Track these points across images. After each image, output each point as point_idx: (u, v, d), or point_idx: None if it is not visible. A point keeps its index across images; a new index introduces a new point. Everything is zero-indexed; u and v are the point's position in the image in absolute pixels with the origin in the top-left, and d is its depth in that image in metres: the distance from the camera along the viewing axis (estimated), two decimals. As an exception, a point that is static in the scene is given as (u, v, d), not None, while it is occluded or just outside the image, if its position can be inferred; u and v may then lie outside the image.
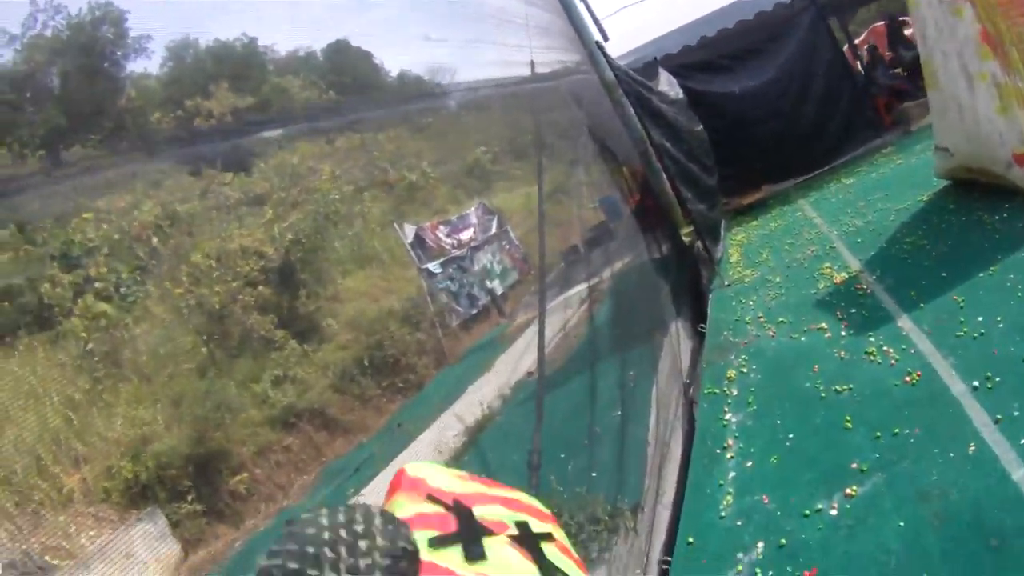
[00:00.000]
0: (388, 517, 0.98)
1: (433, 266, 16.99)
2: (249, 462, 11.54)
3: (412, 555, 0.97)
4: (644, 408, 6.64)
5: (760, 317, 7.79)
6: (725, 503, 4.75)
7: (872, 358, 5.55)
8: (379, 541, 0.93)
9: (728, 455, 5.33)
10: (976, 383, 4.50)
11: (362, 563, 0.91)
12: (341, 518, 0.94)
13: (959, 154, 7.86)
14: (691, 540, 4.54)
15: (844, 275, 7.74)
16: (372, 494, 8.75)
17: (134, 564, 9.11)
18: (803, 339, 6.66)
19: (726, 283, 9.70)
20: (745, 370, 6.66)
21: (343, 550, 0.90)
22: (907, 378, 4.98)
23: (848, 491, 4.18)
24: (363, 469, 10.31)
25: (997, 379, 4.44)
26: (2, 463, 8.98)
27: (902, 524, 3.71)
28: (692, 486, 5.21)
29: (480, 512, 1.20)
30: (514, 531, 1.20)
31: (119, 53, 21.50)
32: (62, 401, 10.81)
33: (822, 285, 7.79)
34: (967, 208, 7.66)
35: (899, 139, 13.37)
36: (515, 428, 8.76)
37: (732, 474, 5.06)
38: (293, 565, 0.88)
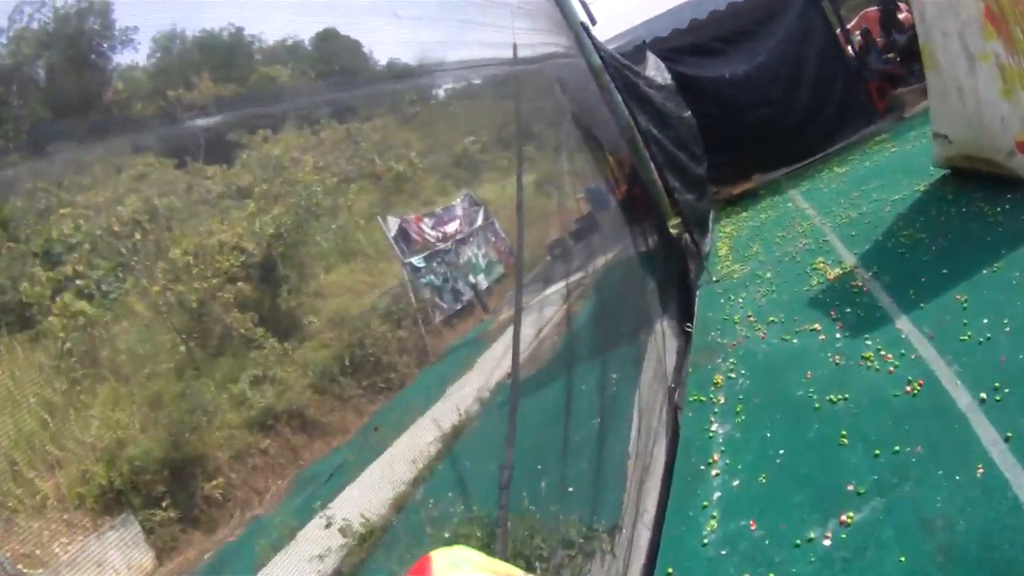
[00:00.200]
0: None
1: (417, 260, 16.76)
2: (225, 466, 11.31)
3: None
4: (626, 415, 6.36)
5: (750, 316, 7.47)
6: (709, 527, 4.42)
7: (869, 364, 5.23)
8: None
9: (713, 471, 4.99)
10: (983, 395, 4.18)
11: None
12: None
13: (958, 141, 7.54)
14: (671, 571, 4.21)
15: (838, 270, 7.42)
16: (343, 504, 8.63)
17: (107, 572, 8.96)
18: (795, 341, 6.33)
19: (714, 278, 9.37)
20: (733, 375, 6.32)
21: None
22: (908, 388, 4.66)
23: (844, 518, 3.85)
24: (336, 477, 10.14)
25: (1006, 391, 4.12)
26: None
27: (903, 560, 3.38)
28: (674, 506, 4.89)
29: None
30: None
31: (105, 45, 21.65)
32: (39, 403, 10.70)
33: (815, 281, 7.47)
34: (967, 199, 7.35)
35: (893, 126, 13.07)
36: (492, 435, 8.46)
37: (717, 494, 4.73)
38: None
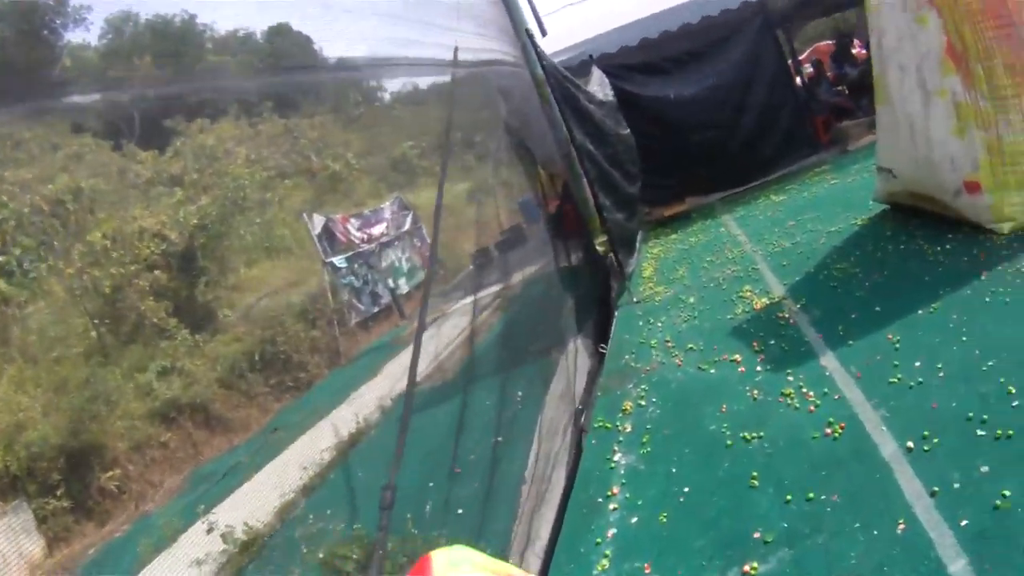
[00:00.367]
0: None
1: (339, 260, 16.62)
2: (123, 458, 11.18)
3: None
4: (527, 437, 5.99)
5: (668, 341, 7.17)
6: (600, 567, 4.05)
7: (789, 401, 4.93)
8: None
9: (611, 505, 4.63)
10: (911, 443, 3.89)
11: None
12: None
13: (904, 177, 7.38)
14: (553, 614, 3.83)
15: (765, 300, 7.17)
16: (232, 507, 8.36)
17: (-6, 559, 8.75)
18: (713, 371, 6.02)
19: (635, 299, 9.09)
20: (643, 403, 5.99)
21: None
22: (828, 430, 4.36)
23: (747, 567, 3.52)
24: (229, 477, 9.92)
25: (935, 440, 3.84)
26: None
27: (810, 622, 3.04)
28: (565, 541, 4.52)
29: None
30: None
31: (58, 22, 21.51)
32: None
33: (740, 310, 7.20)
34: (906, 236, 7.17)
35: (835, 158, 13.02)
36: (388, 446, 8.07)
37: (613, 530, 4.37)
38: None
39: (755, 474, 4.22)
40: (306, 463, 9.20)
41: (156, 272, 14.12)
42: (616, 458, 5.25)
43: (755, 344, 6.16)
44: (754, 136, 13.43)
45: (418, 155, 25.10)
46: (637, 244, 11.37)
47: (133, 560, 8.33)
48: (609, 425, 5.84)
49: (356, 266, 17.10)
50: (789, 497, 3.89)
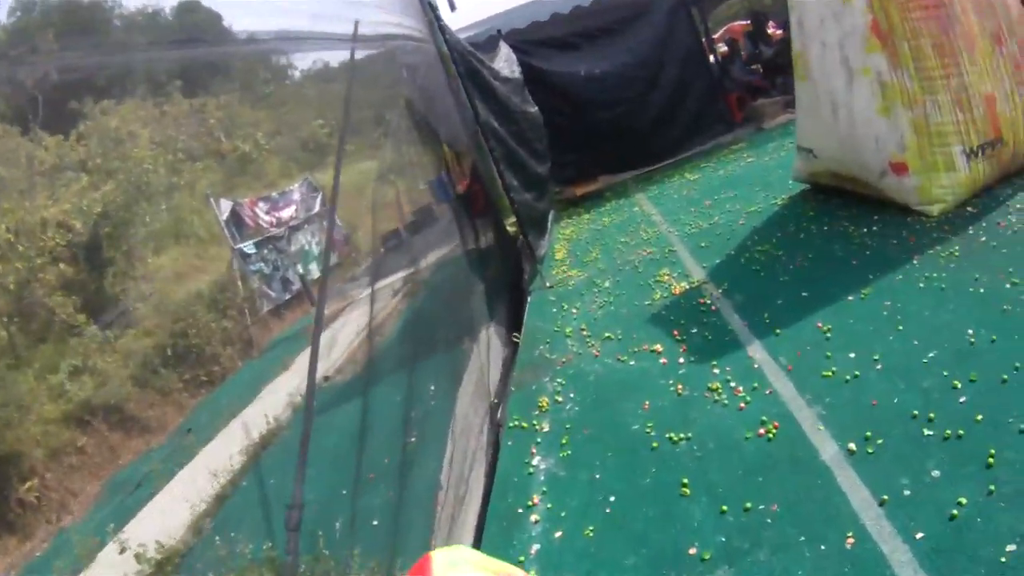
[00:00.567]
0: None
1: (247, 246, 15.97)
2: (40, 466, 10.60)
3: None
4: (440, 436, 5.61)
5: (583, 329, 6.85)
6: (522, 590, 3.69)
7: (717, 397, 4.66)
8: None
9: (532, 517, 4.27)
10: (852, 445, 3.65)
11: None
12: None
13: (825, 157, 7.22)
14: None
15: (685, 285, 6.91)
16: (145, 521, 7.93)
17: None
18: (633, 363, 5.73)
19: (548, 284, 8.78)
20: (560, 399, 5.65)
21: None
22: (761, 430, 4.10)
23: (683, 590, 3.21)
24: (144, 485, 9.40)
25: (879, 441, 3.61)
26: None
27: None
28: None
29: None
30: None
31: None
32: None
33: (658, 295, 6.93)
34: (829, 217, 7.02)
35: (750, 136, 12.96)
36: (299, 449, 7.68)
37: (536, 546, 4.01)
38: None
39: (685, 481, 3.92)
40: (217, 469, 8.70)
41: (61, 265, 13.49)
42: (535, 462, 4.90)
43: (676, 333, 5.89)
44: (666, 113, 13.30)
45: (328, 134, 24.52)
46: (549, 225, 11.07)
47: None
48: (525, 424, 5.49)
49: (266, 251, 16.47)
50: (724, 507, 3.60)
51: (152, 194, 16.98)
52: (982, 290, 4.67)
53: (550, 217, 11.51)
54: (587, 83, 13.17)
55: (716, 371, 4.99)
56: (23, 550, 9.57)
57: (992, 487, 3.02)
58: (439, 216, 13.05)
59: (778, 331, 5.18)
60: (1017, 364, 3.76)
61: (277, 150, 23.41)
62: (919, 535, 2.95)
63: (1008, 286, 4.59)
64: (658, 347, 5.75)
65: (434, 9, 9.30)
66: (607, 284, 7.94)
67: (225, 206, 16.27)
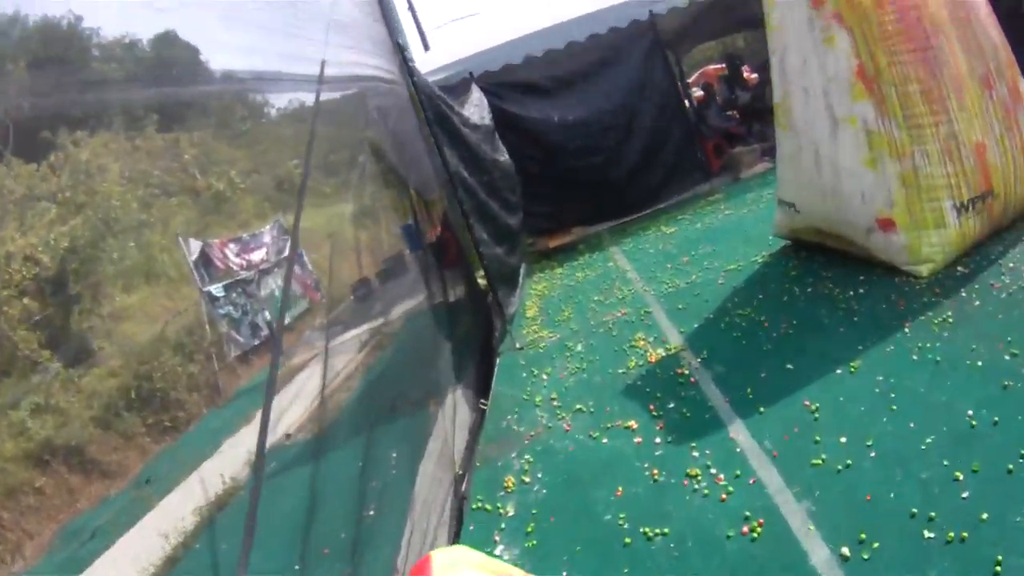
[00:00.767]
0: None
1: (216, 288, 15.64)
2: None
3: None
4: (401, 512, 5.23)
5: (554, 399, 6.50)
6: None
7: (696, 485, 4.31)
8: None
9: (490, 621, 3.90)
10: (846, 549, 3.32)
11: None
12: None
13: (808, 212, 6.96)
14: None
15: (661, 351, 6.59)
16: (101, 571, 7.43)
17: None
18: (605, 441, 5.37)
19: (518, 345, 8.44)
20: (528, 479, 5.28)
21: None
22: (745, 527, 3.76)
23: None
24: (98, 538, 8.87)
25: (875, 545, 3.28)
26: None
27: None
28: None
29: None
30: None
31: None
32: None
33: (633, 363, 6.60)
34: (813, 277, 6.74)
35: (727, 186, 12.76)
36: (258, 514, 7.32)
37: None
38: None
39: (662, 587, 3.58)
40: (170, 529, 8.28)
41: (26, 300, 13.00)
42: (498, 551, 4.52)
43: (652, 407, 5.55)
44: (642, 162, 13.06)
45: (303, 174, 24.40)
46: (520, 279, 10.76)
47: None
48: (489, 507, 5.12)
49: (235, 295, 16.12)
50: (704, 622, 3.26)
51: (121, 230, 16.64)
52: (980, 363, 4.38)
53: (521, 271, 11.22)
54: (561, 129, 12.92)
55: (695, 454, 4.64)
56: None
57: (1003, 604, 2.71)
58: (409, 266, 12.78)
59: (762, 409, 4.85)
60: (1022, 451, 3.46)
61: (252, 189, 22.88)
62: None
63: (1007, 358, 4.31)
64: (633, 423, 5.40)
65: (403, 49, 9.08)
66: (580, 348, 7.61)
67: (195, 246, 15.98)
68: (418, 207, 10.62)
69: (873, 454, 3.91)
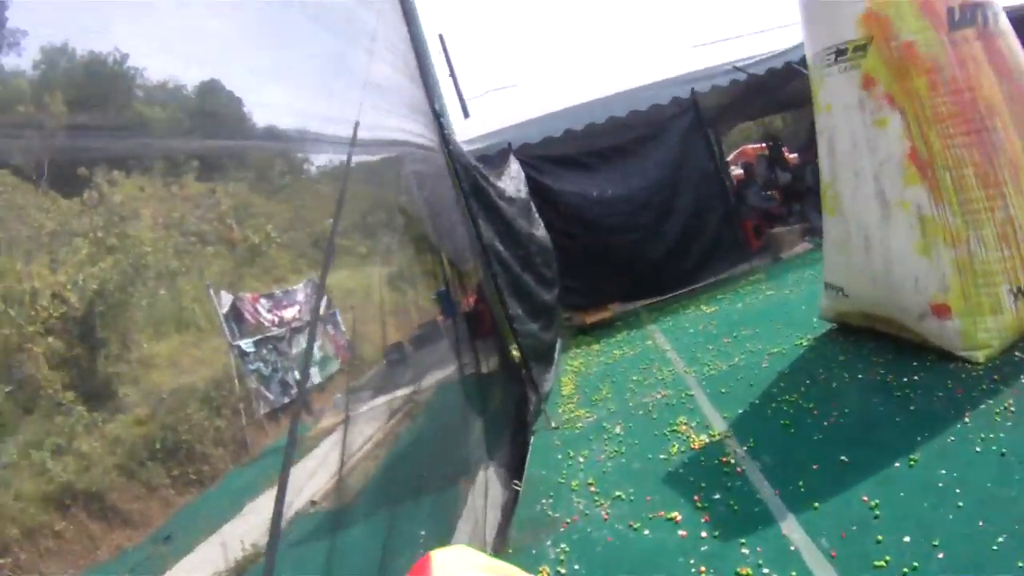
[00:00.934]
0: None
1: (246, 344, 15.51)
2: (15, 544, 9.99)
3: None
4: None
5: (591, 484, 6.23)
6: None
7: (748, 585, 4.03)
8: None
9: None
10: (918, 667, 3.03)
11: None
12: None
13: (857, 296, 6.74)
14: None
15: (705, 438, 6.32)
16: None
17: None
18: (647, 532, 5.09)
19: (554, 424, 8.21)
20: (564, 571, 4.99)
21: None
22: (804, 638, 3.47)
23: None
24: None
25: (951, 665, 2.98)
26: None
27: None
28: None
29: None
30: None
31: None
32: None
33: (675, 449, 6.33)
34: (863, 362, 6.48)
35: (768, 266, 12.57)
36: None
37: None
38: None
39: None
40: None
41: (51, 339, 12.92)
42: (532, 651, 4.26)
43: (697, 498, 5.26)
44: (681, 240, 12.98)
45: (340, 233, 24.45)
46: (555, 355, 10.56)
47: None
48: (522, 602, 4.84)
49: (265, 351, 15.91)
50: None
51: (153, 276, 16.64)
52: (1048, 456, 4.11)
53: (557, 347, 11.02)
54: (600, 205, 12.88)
55: (745, 551, 4.35)
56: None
57: None
58: (443, 333, 12.68)
59: (816, 504, 4.56)
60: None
61: (288, 244, 23.00)
62: None
63: (1078, 451, 4.04)
64: (676, 515, 5.12)
65: (439, 116, 9.03)
66: (618, 430, 7.35)
67: (226, 299, 15.93)
68: (452, 276, 10.52)
69: (941, 555, 3.63)
